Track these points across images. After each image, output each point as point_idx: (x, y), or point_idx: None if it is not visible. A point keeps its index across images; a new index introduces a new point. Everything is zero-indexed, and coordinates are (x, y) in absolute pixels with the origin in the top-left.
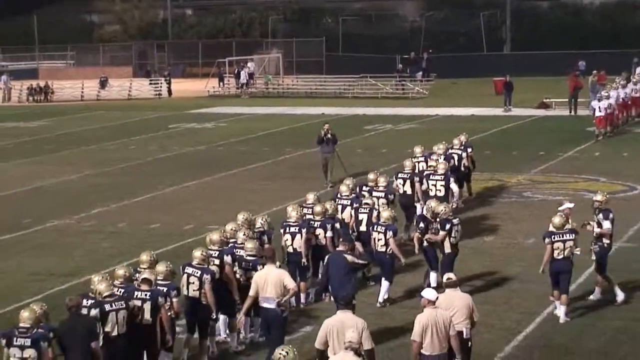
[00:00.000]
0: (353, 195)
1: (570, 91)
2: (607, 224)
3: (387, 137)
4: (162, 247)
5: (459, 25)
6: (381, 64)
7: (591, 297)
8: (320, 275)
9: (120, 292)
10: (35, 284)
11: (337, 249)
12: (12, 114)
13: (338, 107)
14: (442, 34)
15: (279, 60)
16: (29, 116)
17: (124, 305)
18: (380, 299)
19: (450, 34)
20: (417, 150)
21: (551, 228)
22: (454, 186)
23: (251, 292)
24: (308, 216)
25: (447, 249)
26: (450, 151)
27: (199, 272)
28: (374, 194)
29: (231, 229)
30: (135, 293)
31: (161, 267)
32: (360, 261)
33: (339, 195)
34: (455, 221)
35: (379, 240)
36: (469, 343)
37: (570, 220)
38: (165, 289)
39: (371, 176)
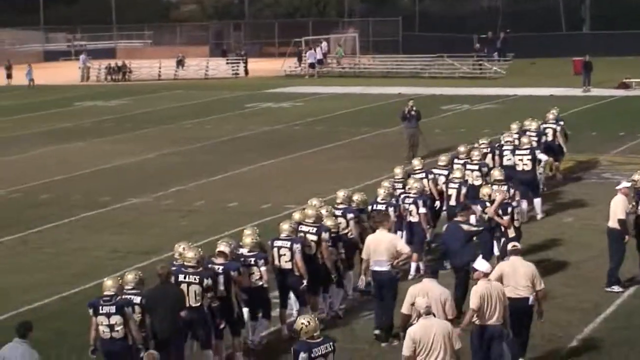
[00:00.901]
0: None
1: None
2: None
3: (465, 117)
4: (238, 226)
5: (537, 3)
6: (458, 44)
7: None
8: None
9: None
10: (114, 262)
11: (455, 219)
12: (90, 93)
13: (414, 87)
14: (520, 12)
15: (355, 40)
16: (107, 95)
17: (197, 280)
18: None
19: (528, 12)
20: (514, 126)
21: None
22: (542, 156)
23: (364, 255)
24: (399, 191)
25: (512, 233)
26: (543, 125)
27: (289, 243)
28: (468, 167)
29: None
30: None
31: (248, 239)
32: (475, 228)
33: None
34: (515, 204)
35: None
36: (532, 310)
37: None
38: (253, 260)
39: (462, 149)
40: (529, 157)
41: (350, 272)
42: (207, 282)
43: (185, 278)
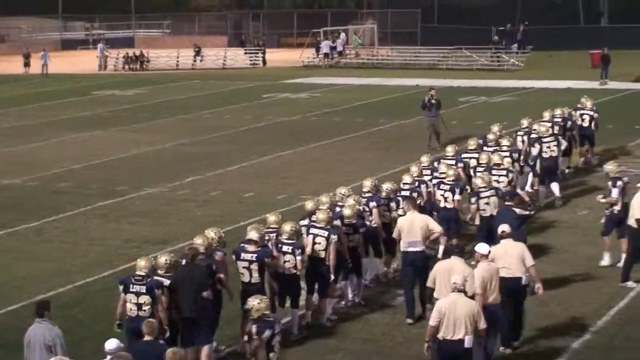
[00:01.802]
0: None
1: None
2: (615, 192)
3: (482, 109)
4: (254, 216)
5: None
6: (476, 36)
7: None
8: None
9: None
10: (130, 251)
11: (506, 203)
12: (108, 82)
13: (432, 79)
14: (539, 5)
15: (373, 31)
16: (125, 85)
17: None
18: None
19: (547, 5)
20: (558, 112)
21: None
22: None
23: (395, 235)
24: (427, 177)
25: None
26: (581, 112)
27: (327, 233)
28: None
29: (341, 193)
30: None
31: (287, 227)
32: (526, 212)
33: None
34: (484, 193)
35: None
36: (526, 290)
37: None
38: (290, 248)
39: (490, 136)
40: (555, 143)
41: (368, 260)
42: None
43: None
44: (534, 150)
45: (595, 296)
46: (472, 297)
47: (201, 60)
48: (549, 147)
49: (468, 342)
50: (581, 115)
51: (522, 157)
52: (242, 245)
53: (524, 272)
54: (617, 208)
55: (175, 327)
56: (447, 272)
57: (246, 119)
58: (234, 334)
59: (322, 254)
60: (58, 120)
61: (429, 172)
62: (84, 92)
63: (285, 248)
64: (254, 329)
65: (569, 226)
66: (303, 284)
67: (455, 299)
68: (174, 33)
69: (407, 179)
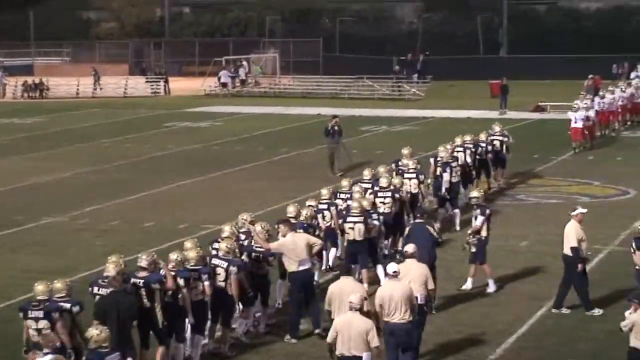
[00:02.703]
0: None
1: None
2: (480, 220)
3: (383, 138)
4: (155, 246)
5: (455, 27)
6: (378, 66)
7: (463, 287)
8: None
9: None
10: (28, 282)
11: (418, 221)
12: (6, 110)
13: (334, 108)
14: (439, 36)
15: (275, 60)
16: (23, 113)
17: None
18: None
19: (447, 36)
20: (458, 140)
21: None
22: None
23: (274, 248)
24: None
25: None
26: (491, 137)
27: (226, 264)
28: (406, 175)
29: (243, 219)
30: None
31: (192, 253)
32: (436, 236)
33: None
34: (352, 218)
35: None
36: (424, 308)
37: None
38: (197, 274)
39: (366, 172)
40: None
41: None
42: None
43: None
44: (445, 175)
45: (494, 324)
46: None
47: (101, 89)
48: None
49: (366, 359)
50: (492, 140)
51: (429, 181)
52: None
53: (423, 292)
54: (483, 235)
55: None
56: (340, 292)
57: (147, 147)
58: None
59: (223, 284)
60: None
61: (345, 196)
62: None
63: (192, 274)
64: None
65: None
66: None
67: (350, 317)
68: (75, 61)
69: (303, 213)
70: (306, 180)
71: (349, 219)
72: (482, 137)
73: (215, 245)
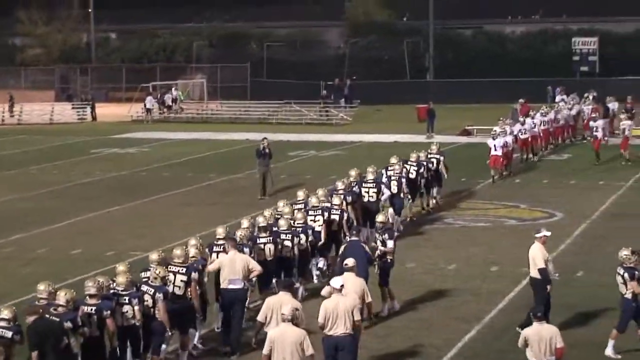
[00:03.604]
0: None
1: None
2: (390, 243)
3: (311, 163)
4: (82, 274)
5: (383, 52)
6: (306, 90)
7: (382, 314)
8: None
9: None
10: None
11: (352, 238)
12: None
13: (262, 133)
14: (366, 60)
15: (203, 86)
16: None
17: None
18: None
19: (374, 60)
20: (393, 160)
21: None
22: (386, 191)
23: (211, 268)
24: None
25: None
26: (430, 156)
27: (152, 290)
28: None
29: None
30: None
31: (121, 278)
32: (370, 255)
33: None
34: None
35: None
36: (360, 324)
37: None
38: (127, 299)
39: (300, 193)
40: (375, 189)
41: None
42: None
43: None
44: (386, 191)
45: (422, 347)
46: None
47: (20, 114)
48: (367, 191)
49: None
50: (429, 159)
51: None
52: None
53: (360, 305)
54: (389, 257)
55: None
56: (277, 306)
57: (74, 174)
58: None
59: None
60: None
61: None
62: None
63: (121, 300)
64: None
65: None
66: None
67: (284, 328)
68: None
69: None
70: (235, 205)
71: (259, 240)
72: (422, 156)
73: (147, 273)
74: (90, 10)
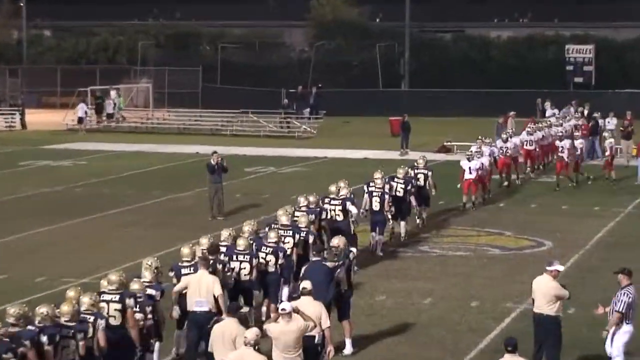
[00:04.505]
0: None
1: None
2: (342, 270)
3: (270, 181)
4: (6, 302)
5: (352, 57)
6: (265, 99)
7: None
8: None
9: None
10: None
11: (314, 259)
12: None
13: (215, 146)
14: (334, 66)
15: (148, 91)
16: None
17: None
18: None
19: (343, 66)
20: (377, 175)
21: None
22: (352, 208)
23: (177, 288)
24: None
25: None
26: (416, 171)
27: (92, 318)
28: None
29: (147, 264)
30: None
31: (66, 307)
32: (335, 262)
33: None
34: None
35: None
36: (319, 348)
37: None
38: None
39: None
40: (340, 207)
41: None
42: None
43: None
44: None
45: None
46: None
47: None
48: (333, 209)
49: None
50: (416, 175)
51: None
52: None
53: (319, 331)
54: (344, 287)
55: None
56: (221, 334)
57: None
58: None
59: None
60: None
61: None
62: None
63: (64, 332)
64: None
65: (366, 313)
66: None
67: (243, 352)
68: None
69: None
70: (183, 227)
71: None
72: (410, 171)
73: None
74: (21, 4)
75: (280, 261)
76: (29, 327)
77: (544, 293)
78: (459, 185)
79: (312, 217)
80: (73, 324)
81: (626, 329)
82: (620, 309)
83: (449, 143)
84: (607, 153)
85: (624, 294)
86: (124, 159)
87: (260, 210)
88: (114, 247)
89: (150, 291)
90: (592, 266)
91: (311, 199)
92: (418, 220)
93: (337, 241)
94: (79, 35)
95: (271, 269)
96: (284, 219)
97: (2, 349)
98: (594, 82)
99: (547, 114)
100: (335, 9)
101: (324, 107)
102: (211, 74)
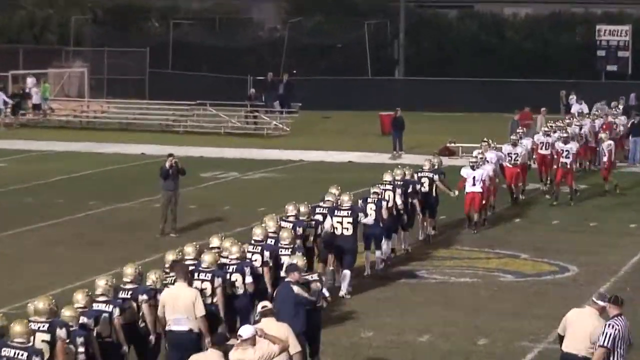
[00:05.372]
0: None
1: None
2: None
3: (232, 189)
4: None
5: (334, 37)
6: (226, 88)
7: None
8: None
9: None
10: None
11: (286, 279)
12: None
13: (165, 145)
14: (312, 49)
15: (83, 77)
16: None
17: None
18: None
19: (323, 49)
20: (387, 176)
21: None
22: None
23: (159, 313)
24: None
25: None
26: (419, 174)
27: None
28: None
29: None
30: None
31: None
32: (308, 296)
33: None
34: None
35: None
36: None
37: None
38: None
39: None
40: (350, 219)
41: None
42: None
43: None
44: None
45: None
46: None
47: None
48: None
49: None
50: (419, 178)
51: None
52: None
53: (286, 356)
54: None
55: None
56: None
57: None
58: None
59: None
60: None
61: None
62: None
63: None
64: None
65: (350, 354)
66: None
67: None
68: None
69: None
70: (125, 246)
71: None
72: (399, 174)
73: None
74: None
75: (247, 280)
76: None
77: (588, 332)
78: (456, 192)
79: (300, 230)
80: (25, 346)
81: None
82: (605, 344)
83: (452, 144)
84: (606, 158)
85: (609, 326)
86: (53, 161)
87: (219, 226)
88: (39, 268)
89: (83, 319)
90: (627, 297)
91: (302, 209)
92: (421, 234)
93: (302, 262)
94: (0, 10)
95: (239, 291)
96: (257, 232)
97: None
98: (631, 71)
99: (572, 109)
100: None
101: (299, 99)
102: (161, 57)
